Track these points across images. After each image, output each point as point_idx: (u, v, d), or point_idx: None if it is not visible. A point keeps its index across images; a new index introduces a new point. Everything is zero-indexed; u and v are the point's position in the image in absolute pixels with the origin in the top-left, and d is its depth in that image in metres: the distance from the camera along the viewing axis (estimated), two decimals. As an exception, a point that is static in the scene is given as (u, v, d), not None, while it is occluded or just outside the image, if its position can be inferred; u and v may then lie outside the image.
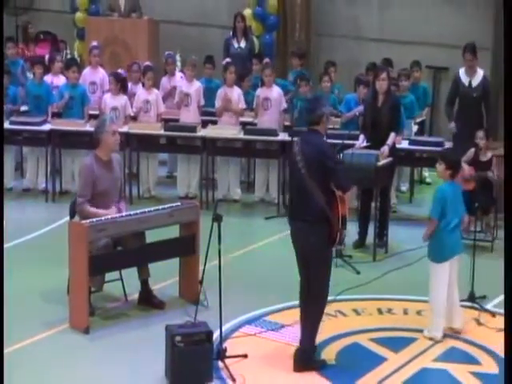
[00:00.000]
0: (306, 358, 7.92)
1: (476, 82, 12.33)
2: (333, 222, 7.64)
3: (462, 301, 8.84)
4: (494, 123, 13.26)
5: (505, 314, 5.66)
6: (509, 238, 6.41)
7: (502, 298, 9.56)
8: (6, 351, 7.75)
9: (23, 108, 13.30)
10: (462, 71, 12.45)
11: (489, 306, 9.34)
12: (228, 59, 14.36)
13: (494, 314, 9.16)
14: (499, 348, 8.21)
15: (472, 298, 9.23)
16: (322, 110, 8.00)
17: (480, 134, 11.39)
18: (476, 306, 9.19)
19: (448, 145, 11.97)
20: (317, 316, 7.97)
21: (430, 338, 8.44)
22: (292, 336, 8.54)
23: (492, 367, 8.04)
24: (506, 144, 7.07)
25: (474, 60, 12.26)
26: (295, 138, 8.87)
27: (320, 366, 7.91)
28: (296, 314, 8.92)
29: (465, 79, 12.39)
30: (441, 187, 8.68)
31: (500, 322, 8.96)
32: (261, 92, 13.03)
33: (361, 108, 12.20)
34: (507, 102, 6.46)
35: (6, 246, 10.66)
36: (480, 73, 12.31)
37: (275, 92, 12.99)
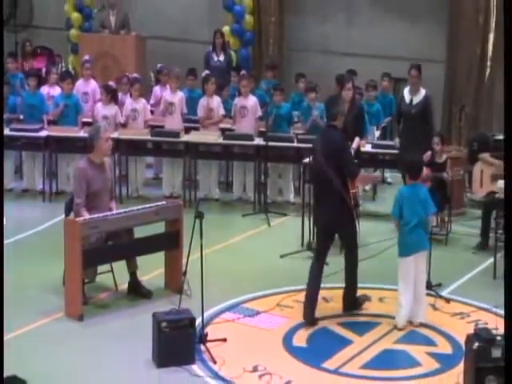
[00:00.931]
0: (353, 298, 8.88)
1: (417, 100, 12.01)
2: (347, 198, 8.50)
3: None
4: (446, 130, 13.33)
5: (505, 315, 5.46)
6: (509, 237, 6.08)
7: (455, 285, 9.67)
8: (6, 338, 7.76)
9: (22, 117, 13.26)
10: (406, 90, 12.24)
11: (444, 293, 9.36)
12: (207, 71, 14.37)
13: (448, 301, 9.19)
14: (453, 330, 8.35)
15: (429, 286, 9.27)
16: (336, 109, 8.82)
17: (436, 139, 11.44)
18: (432, 293, 9.22)
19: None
20: (355, 262, 8.85)
21: (394, 326, 8.45)
22: (266, 321, 8.59)
23: (446, 348, 8.09)
24: (506, 145, 6.61)
25: (419, 77, 12.11)
26: (315, 136, 9.54)
27: (363, 302, 8.95)
28: (270, 301, 9.01)
29: (407, 97, 12.17)
30: (399, 189, 8.69)
31: (453, 307, 9.06)
32: (238, 101, 13.04)
33: (316, 113, 12.23)
34: (507, 103, 6.11)
35: (6, 241, 10.64)
36: (422, 92, 12.04)
37: (251, 101, 13.00)
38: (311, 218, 10.83)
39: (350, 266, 8.92)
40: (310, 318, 8.55)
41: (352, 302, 8.92)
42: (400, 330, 8.38)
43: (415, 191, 8.46)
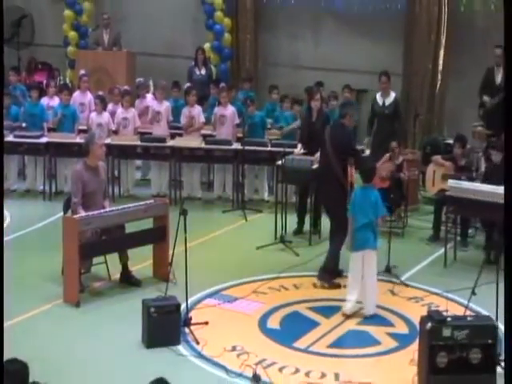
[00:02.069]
0: (326, 274, 9.00)
1: (388, 101, 12.36)
2: (344, 184, 9.03)
3: (379, 273, 8.80)
4: (404, 134, 13.40)
5: (505, 315, 5.28)
6: (509, 236, 5.86)
7: (410, 273, 9.71)
8: (10, 322, 7.79)
9: (23, 125, 13.18)
10: (378, 95, 12.49)
11: (401, 280, 9.38)
12: (189, 84, 14.34)
13: (407, 285, 9.24)
14: (408, 313, 8.38)
15: (388, 270, 9.34)
16: (346, 109, 9.56)
17: (393, 144, 11.49)
18: (393, 279, 9.27)
19: (367, 152, 12.04)
20: (338, 244, 8.99)
21: (343, 313, 8.37)
22: (243, 306, 8.59)
23: (403, 328, 8.12)
24: (506, 147, 6.49)
25: (388, 83, 12.35)
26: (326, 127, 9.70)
27: (334, 285, 8.99)
28: (247, 288, 9.02)
29: (380, 100, 12.45)
30: (355, 191, 8.65)
31: (409, 292, 9.09)
32: (218, 110, 13.01)
33: (298, 122, 12.26)
34: (508, 107, 5.85)
35: (11, 236, 10.69)
36: (392, 95, 12.38)
37: (230, 110, 12.98)
38: (284, 214, 10.87)
39: (332, 248, 9.04)
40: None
41: (325, 271, 9.05)
42: (348, 316, 8.30)
43: (367, 194, 8.35)
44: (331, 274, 9.13)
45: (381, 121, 12.38)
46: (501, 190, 9.55)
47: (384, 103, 12.35)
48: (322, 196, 9.75)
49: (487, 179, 10.09)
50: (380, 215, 8.36)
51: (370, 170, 8.62)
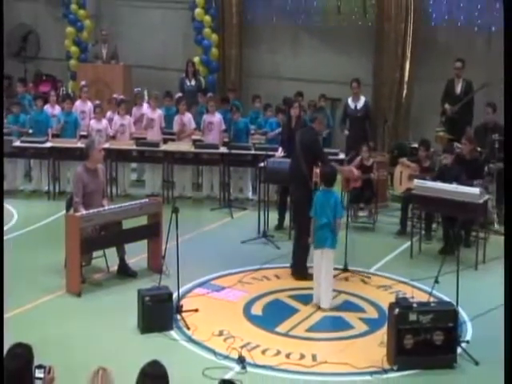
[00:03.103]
0: (299, 272, 8.92)
1: (360, 105, 12.56)
2: (309, 183, 8.85)
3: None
4: (374, 138, 13.44)
5: (505, 314, 5.00)
6: (509, 235, 5.44)
7: (380, 264, 9.72)
8: (17, 311, 7.77)
9: (30, 131, 13.11)
10: (349, 99, 12.65)
11: (371, 270, 9.43)
12: (180, 94, 14.30)
13: (369, 276, 9.19)
14: (378, 299, 8.41)
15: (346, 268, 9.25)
16: (316, 115, 9.72)
17: (364, 148, 11.51)
18: (361, 270, 9.28)
19: (341, 154, 12.06)
20: (303, 248, 8.83)
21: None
22: (230, 295, 8.58)
23: (373, 313, 8.14)
24: (506, 151, 5.96)
25: (359, 88, 12.47)
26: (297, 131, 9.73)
27: (309, 277, 8.65)
28: (233, 278, 9.00)
29: (352, 104, 12.60)
30: (316, 193, 8.53)
31: (379, 281, 9.10)
32: (206, 117, 12.99)
33: (280, 129, 12.26)
34: (507, 109, 5.48)
35: (18, 232, 10.64)
36: (362, 99, 12.56)
37: (217, 117, 12.95)
38: (266, 212, 10.86)
39: (297, 251, 8.94)
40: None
41: (297, 271, 9.04)
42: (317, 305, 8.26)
43: (327, 196, 8.26)
44: (304, 267, 9.00)
45: (353, 122, 12.57)
46: (461, 188, 9.63)
47: (356, 107, 12.63)
48: (292, 195, 9.64)
49: (440, 178, 10.11)
50: (338, 216, 8.24)
51: (330, 174, 8.46)
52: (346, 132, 12.68)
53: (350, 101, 12.69)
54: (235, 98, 14.20)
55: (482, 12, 13.06)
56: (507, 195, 5.51)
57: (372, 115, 13.18)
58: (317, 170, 8.94)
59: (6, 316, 7.62)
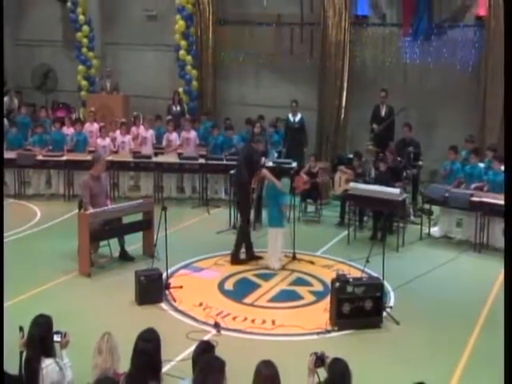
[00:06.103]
0: (234, 257, 8.77)
1: (297, 119, 12.99)
2: (248, 187, 8.81)
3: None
4: (318, 151, 13.48)
5: (505, 314, 4.56)
6: (509, 234, 4.95)
7: (324, 248, 9.67)
8: (41, 288, 7.63)
9: (50, 147, 12.88)
10: (290, 114, 13.10)
11: (318, 253, 9.39)
12: (169, 117, 14.18)
13: (313, 262, 9.13)
14: (323, 276, 8.38)
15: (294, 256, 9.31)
16: (258, 137, 9.53)
17: (312, 157, 11.53)
18: (311, 253, 9.28)
19: (294, 163, 12.02)
20: (243, 236, 8.80)
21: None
22: (207, 274, 8.51)
23: (319, 287, 8.13)
24: (506, 151, 5.39)
25: (296, 107, 12.97)
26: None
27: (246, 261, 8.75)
28: (210, 261, 8.95)
29: (291, 118, 13.02)
30: (266, 185, 9.02)
31: (323, 261, 9.04)
32: (184, 134, 12.89)
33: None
34: (507, 111, 4.96)
35: (41, 227, 10.45)
36: (299, 115, 13.01)
37: (192, 134, 12.90)
38: (235, 209, 10.78)
39: (238, 237, 8.95)
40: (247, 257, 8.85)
41: (235, 256, 8.86)
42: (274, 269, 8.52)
43: (274, 188, 8.71)
44: (238, 253, 8.93)
45: (292, 133, 12.86)
46: (385, 189, 9.69)
47: (294, 120, 13.00)
48: (236, 197, 9.53)
49: (376, 182, 10.19)
50: (283, 203, 8.61)
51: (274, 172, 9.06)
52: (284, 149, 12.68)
53: (290, 116, 13.07)
54: (208, 119, 14.13)
55: (399, 52, 13.27)
56: (507, 197, 5.18)
57: (316, 132, 13.24)
58: (255, 178, 8.89)
59: (32, 292, 7.62)
